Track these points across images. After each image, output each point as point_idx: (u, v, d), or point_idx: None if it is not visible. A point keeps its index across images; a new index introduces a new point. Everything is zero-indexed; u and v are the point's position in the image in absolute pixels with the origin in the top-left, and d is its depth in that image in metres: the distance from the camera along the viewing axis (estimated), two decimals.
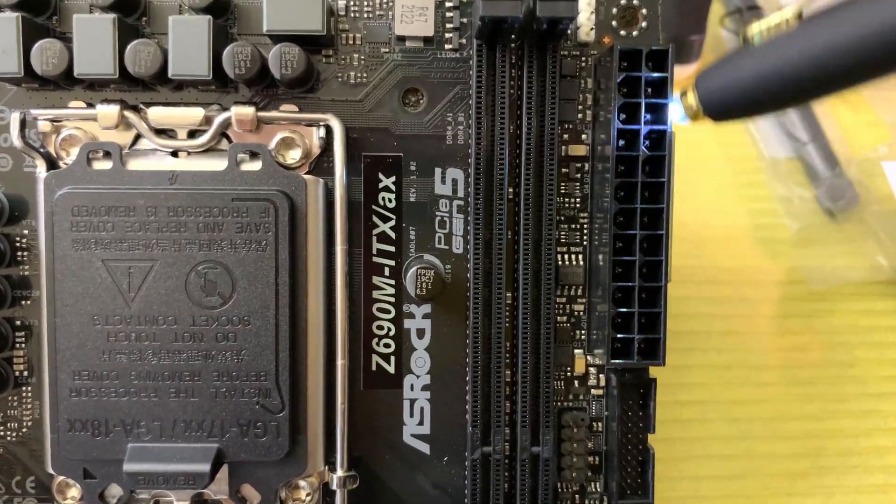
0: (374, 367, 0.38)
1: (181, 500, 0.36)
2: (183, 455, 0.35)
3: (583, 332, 0.38)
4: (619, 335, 0.35)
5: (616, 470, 0.37)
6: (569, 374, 0.38)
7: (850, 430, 0.51)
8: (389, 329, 0.38)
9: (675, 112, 0.35)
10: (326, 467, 0.37)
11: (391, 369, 0.38)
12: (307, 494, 0.37)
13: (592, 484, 0.38)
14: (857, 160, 0.57)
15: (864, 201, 0.56)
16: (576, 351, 0.38)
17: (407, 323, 0.38)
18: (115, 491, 0.36)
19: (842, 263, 0.55)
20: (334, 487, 0.36)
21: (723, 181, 0.56)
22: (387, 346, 0.38)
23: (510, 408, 0.37)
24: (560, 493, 0.38)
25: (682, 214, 0.58)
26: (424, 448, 0.38)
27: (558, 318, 0.38)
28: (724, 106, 0.32)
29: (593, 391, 0.38)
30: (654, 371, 0.37)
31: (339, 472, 0.36)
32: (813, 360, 0.53)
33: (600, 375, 0.38)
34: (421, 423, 0.38)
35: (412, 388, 0.38)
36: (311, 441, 0.36)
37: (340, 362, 0.36)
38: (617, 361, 0.35)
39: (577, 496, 0.38)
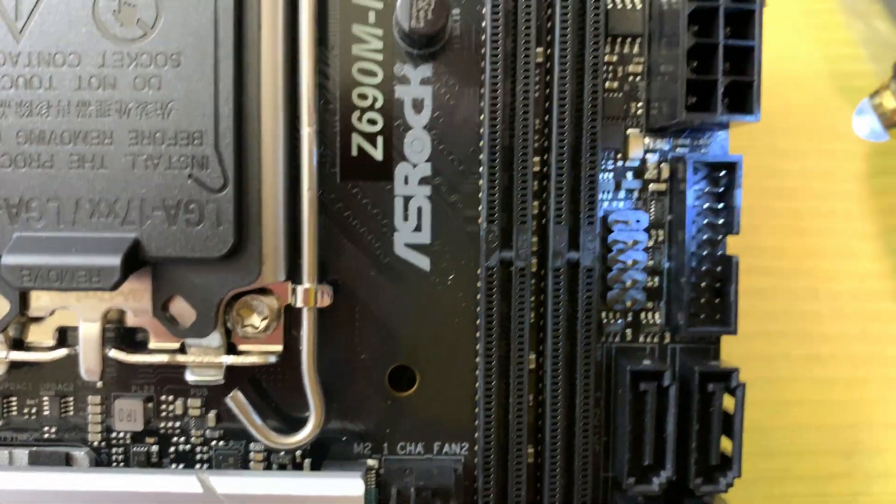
0: (354, 152, 0.28)
1: (89, 319, 0.27)
2: (87, 246, 0.25)
3: (640, 104, 0.28)
4: (695, 76, 0.25)
5: (684, 290, 0.27)
6: (620, 162, 0.28)
7: None
8: (375, 99, 0.28)
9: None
10: (289, 284, 0.27)
11: (378, 155, 0.28)
12: (263, 319, 0.27)
13: (649, 314, 0.28)
14: None
15: None
16: (630, 130, 0.28)
17: (399, 91, 0.28)
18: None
19: None
20: (299, 304, 0.27)
21: (795, 25, 0.46)
22: (372, 122, 0.28)
23: (539, 207, 0.28)
24: (604, 325, 0.28)
25: None
26: (423, 262, 0.28)
27: (607, 83, 0.28)
28: None
29: (652, 186, 0.28)
30: None
31: (306, 284, 0.27)
32: None
33: (662, 165, 0.28)
34: (418, 228, 0.28)
35: (407, 182, 0.28)
36: (267, 238, 0.26)
37: (307, 130, 0.27)
38: (694, 115, 0.25)
39: (627, 330, 0.28)
